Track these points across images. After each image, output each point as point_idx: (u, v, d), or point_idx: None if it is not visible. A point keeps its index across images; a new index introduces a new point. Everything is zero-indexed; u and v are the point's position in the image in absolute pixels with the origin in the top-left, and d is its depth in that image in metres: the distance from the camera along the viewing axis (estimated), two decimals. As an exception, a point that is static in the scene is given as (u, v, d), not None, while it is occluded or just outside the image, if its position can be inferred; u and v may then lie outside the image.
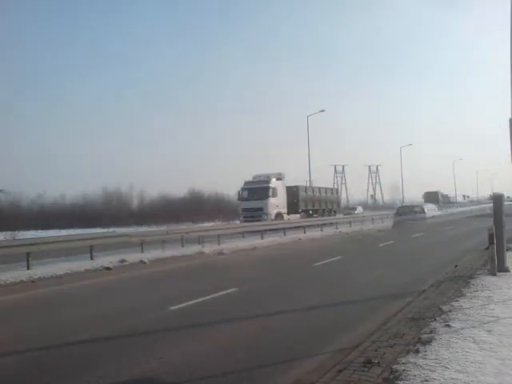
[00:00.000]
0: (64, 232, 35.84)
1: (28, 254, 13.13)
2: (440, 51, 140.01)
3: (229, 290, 9.13)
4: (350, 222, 30.77)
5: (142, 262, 14.61)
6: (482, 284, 8.00)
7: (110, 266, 13.68)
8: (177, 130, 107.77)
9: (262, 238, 21.79)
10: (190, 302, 8.10)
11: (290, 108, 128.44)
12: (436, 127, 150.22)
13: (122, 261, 14.34)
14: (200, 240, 19.24)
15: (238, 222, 34.13)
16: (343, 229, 27.41)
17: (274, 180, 33.74)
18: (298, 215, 34.89)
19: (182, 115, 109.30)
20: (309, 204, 37.29)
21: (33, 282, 11.61)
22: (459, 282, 8.61)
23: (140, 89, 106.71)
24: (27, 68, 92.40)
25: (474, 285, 8.03)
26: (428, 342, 4.98)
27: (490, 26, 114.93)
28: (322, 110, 43.29)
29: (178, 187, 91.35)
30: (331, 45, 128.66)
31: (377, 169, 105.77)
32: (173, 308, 7.74)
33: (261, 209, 32.01)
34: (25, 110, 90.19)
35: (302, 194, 36.51)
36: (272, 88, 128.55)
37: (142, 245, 16.69)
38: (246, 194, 33.93)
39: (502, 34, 13.29)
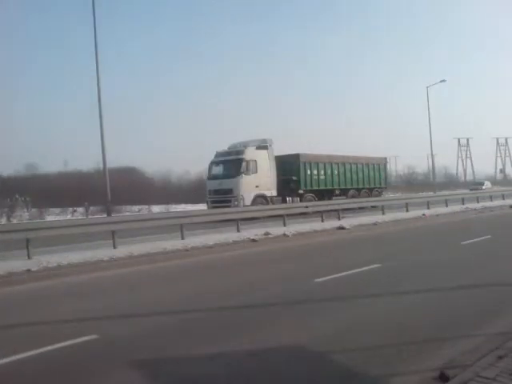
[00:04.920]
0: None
1: (182, 226, 14.44)
2: None
3: (372, 266, 9.05)
4: (462, 199, 26.82)
5: (284, 235, 15.08)
6: None
7: (256, 238, 14.37)
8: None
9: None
10: (333, 276, 8.19)
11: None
12: None
13: (267, 234, 14.97)
14: (339, 215, 19.26)
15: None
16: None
17: (251, 149, 24.72)
18: (298, 198, 25.61)
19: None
20: (322, 183, 27.20)
21: (186, 250, 12.71)
22: None
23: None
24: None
25: None
26: None
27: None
28: (443, 80, 40.49)
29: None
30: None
31: (506, 141, 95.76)
32: (318, 280, 7.92)
33: (230, 190, 23.89)
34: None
35: (304, 167, 26.50)
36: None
37: (285, 218, 17.28)
38: (214, 169, 25.85)
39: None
